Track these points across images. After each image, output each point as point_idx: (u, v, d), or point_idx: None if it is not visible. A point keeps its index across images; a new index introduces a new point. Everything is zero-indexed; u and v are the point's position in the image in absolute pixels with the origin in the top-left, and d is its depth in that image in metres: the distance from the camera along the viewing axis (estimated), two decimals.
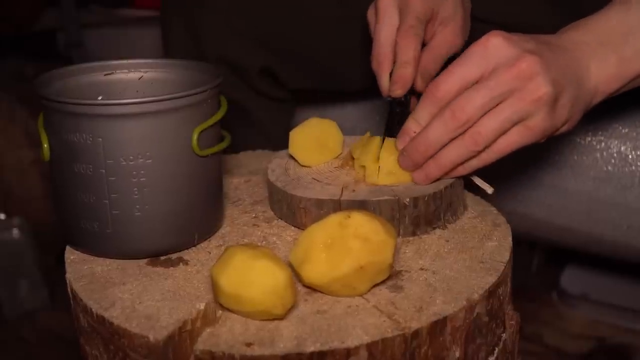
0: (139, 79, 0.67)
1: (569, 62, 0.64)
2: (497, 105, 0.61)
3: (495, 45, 0.62)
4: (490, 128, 0.61)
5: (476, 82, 0.62)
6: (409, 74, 0.69)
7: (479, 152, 0.63)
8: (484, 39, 0.62)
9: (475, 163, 0.64)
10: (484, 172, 0.67)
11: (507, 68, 0.61)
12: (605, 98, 0.68)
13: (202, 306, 0.53)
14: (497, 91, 0.61)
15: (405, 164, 0.65)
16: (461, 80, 0.62)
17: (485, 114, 0.61)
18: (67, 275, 0.59)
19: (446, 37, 0.73)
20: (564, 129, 0.66)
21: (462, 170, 0.65)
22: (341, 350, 0.49)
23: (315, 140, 0.70)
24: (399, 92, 0.70)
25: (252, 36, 0.96)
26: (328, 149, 0.70)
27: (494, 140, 0.62)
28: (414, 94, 0.72)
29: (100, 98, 0.66)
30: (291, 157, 0.71)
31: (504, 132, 0.62)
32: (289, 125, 1.08)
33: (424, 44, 0.73)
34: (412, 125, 0.65)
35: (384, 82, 0.72)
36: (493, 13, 0.80)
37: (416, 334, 0.51)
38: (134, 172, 0.58)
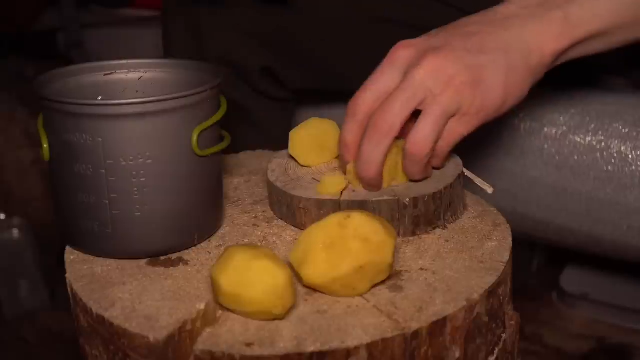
0: (139, 79, 0.67)
1: (491, 35, 0.64)
2: (421, 109, 0.62)
3: (400, 54, 0.63)
4: (426, 134, 0.61)
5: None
6: None
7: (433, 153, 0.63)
8: (390, 52, 0.64)
9: (434, 163, 0.65)
10: (484, 172, 0.67)
11: (414, 69, 0.61)
12: (558, 57, 0.66)
13: (202, 306, 0.53)
14: (411, 91, 0.61)
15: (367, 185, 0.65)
16: (375, 93, 0.63)
17: (415, 122, 0.62)
18: (67, 276, 0.59)
19: None
20: (512, 101, 0.65)
21: (431, 172, 0.66)
22: (341, 350, 0.49)
23: (315, 140, 0.70)
24: None
25: (253, 36, 0.96)
26: (328, 149, 0.70)
27: (436, 140, 0.62)
28: None
29: (100, 98, 0.66)
30: (291, 157, 0.71)
31: (441, 130, 0.62)
32: (289, 126, 1.08)
33: None
34: (343, 151, 0.65)
35: None
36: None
37: (416, 334, 0.51)
38: (134, 172, 0.58)
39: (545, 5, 0.65)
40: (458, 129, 0.63)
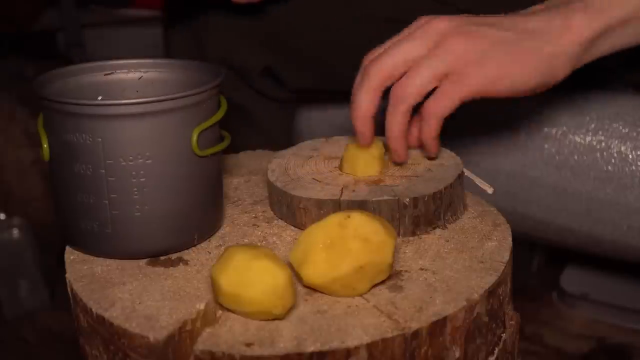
0: (139, 79, 0.67)
1: (514, 22, 0.67)
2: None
3: (435, 24, 0.67)
4: (411, 83, 0.64)
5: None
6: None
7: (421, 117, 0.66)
8: (421, 21, 0.68)
9: (425, 130, 0.66)
10: (484, 172, 0.67)
11: (448, 38, 0.65)
12: (585, 49, 0.67)
13: (202, 306, 0.53)
14: (438, 59, 0.64)
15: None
16: (400, 58, 0.66)
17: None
18: (67, 275, 0.59)
19: None
20: (509, 84, 0.66)
21: (416, 140, 0.68)
22: (341, 350, 0.50)
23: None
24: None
25: (253, 36, 0.96)
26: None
27: (423, 90, 0.64)
28: None
29: (100, 98, 0.66)
30: (291, 157, 0.71)
31: (427, 84, 0.64)
32: (289, 126, 1.08)
33: None
34: (356, 122, 0.67)
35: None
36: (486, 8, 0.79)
37: (416, 334, 0.51)
38: (134, 172, 0.58)
39: (565, 1, 0.67)
40: (451, 93, 0.64)
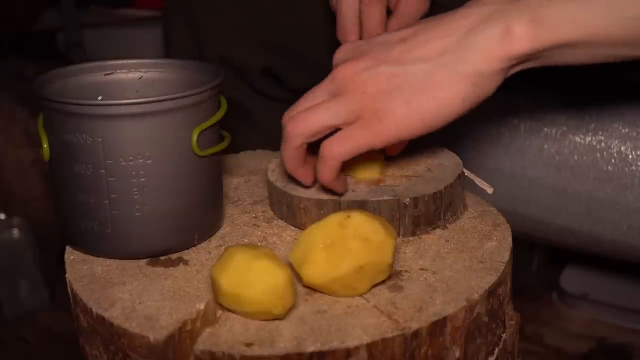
0: (139, 79, 0.67)
1: (425, 42, 0.60)
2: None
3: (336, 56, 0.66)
4: (306, 121, 0.61)
5: None
6: None
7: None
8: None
9: (319, 167, 0.62)
10: (484, 172, 0.67)
11: (332, 73, 0.62)
12: (522, 61, 0.59)
13: (202, 306, 0.53)
14: (316, 93, 0.62)
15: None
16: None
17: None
18: (67, 275, 0.59)
19: (412, 1, 0.73)
20: (432, 115, 0.59)
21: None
22: (341, 350, 0.50)
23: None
24: None
25: (253, 36, 0.96)
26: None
27: (311, 134, 0.61)
28: None
29: (100, 98, 0.66)
30: None
31: (328, 125, 0.60)
32: None
33: (389, 11, 0.74)
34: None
35: None
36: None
37: (416, 334, 0.51)
38: (134, 172, 0.58)
39: (515, 4, 0.58)
40: (357, 136, 0.59)
